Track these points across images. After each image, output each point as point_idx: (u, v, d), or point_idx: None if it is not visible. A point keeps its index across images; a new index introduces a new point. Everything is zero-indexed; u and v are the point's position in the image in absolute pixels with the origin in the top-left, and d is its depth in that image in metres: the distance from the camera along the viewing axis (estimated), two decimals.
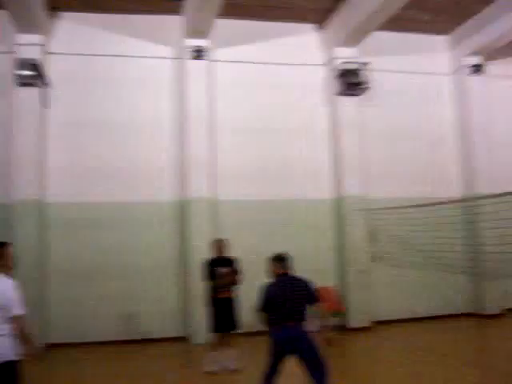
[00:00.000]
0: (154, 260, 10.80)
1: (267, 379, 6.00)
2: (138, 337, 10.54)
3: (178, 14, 11.20)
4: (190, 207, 10.64)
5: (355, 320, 11.24)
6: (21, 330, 4.86)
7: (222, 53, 11.49)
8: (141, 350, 10.03)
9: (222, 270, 8.18)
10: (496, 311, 11.98)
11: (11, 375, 4.86)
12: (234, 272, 8.25)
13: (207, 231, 10.51)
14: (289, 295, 5.90)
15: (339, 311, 11.24)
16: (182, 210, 10.89)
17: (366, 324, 11.27)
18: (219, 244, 8.47)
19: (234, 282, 8.25)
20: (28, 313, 5.04)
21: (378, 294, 11.71)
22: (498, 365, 8.25)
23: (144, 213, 10.87)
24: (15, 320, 4.84)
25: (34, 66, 10.06)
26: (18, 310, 4.86)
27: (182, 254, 10.85)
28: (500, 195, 9.10)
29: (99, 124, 10.93)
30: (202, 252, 10.32)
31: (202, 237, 10.38)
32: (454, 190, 12.39)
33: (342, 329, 11.21)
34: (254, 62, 11.60)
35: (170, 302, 10.83)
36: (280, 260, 6.14)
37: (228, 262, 8.31)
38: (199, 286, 10.20)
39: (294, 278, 6.08)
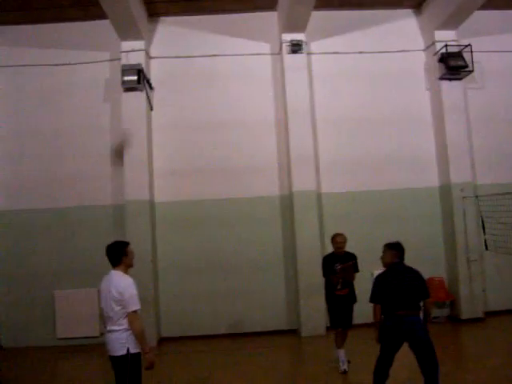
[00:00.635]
0: (263, 254, 10.95)
1: (380, 370, 5.96)
2: (248, 330, 10.73)
3: (273, 10, 11.28)
4: (295, 201, 10.66)
5: (467, 311, 10.87)
6: (136, 326, 5.07)
7: (319, 45, 11.46)
8: (251, 342, 10.24)
9: (338, 266, 7.95)
10: None
11: (127, 368, 5.09)
12: (349, 267, 7.91)
13: (313, 224, 10.62)
14: (402, 284, 5.88)
15: (448, 302, 11.04)
16: (287, 204, 10.97)
17: (478, 315, 10.88)
18: (338, 239, 8.20)
19: (349, 278, 7.99)
20: (142, 309, 5.27)
21: (491, 284, 11.31)
22: None
23: (251, 208, 11.05)
24: (132, 316, 5.05)
25: (138, 70, 10.42)
26: (134, 307, 5.07)
27: (289, 248, 10.93)
28: None
29: (203, 123, 11.19)
30: (309, 245, 10.50)
31: (309, 230, 10.55)
32: None
33: (454, 320, 10.95)
34: (351, 52, 11.46)
35: (278, 295, 10.95)
36: (393, 248, 6.08)
37: (346, 258, 8.01)
38: (307, 279, 10.43)
39: (407, 267, 6.05)
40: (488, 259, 11.25)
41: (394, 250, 6.10)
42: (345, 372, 7.85)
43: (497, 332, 10.11)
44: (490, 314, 11.04)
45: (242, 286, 10.87)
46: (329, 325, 10.54)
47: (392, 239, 6.40)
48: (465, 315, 10.87)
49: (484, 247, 10.97)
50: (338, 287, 7.98)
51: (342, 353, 8.02)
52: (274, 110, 11.32)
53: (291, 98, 10.85)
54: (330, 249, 10.82)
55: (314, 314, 10.47)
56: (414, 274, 6.00)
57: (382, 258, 6.24)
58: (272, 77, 11.41)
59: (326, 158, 11.19)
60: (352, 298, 8.09)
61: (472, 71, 11.10)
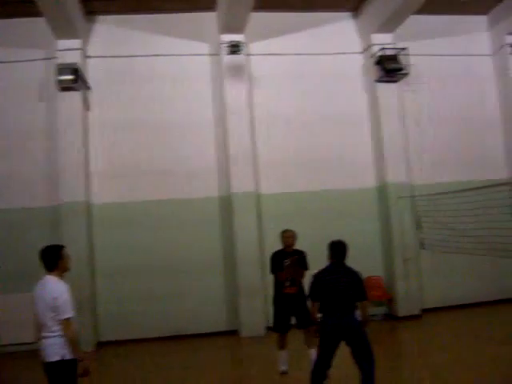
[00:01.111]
0: (201, 255, 10.88)
1: (318, 370, 6.00)
2: (188, 332, 10.64)
3: (213, 11, 11.25)
4: (234, 202, 10.67)
5: (404, 309, 11.09)
6: (69, 333, 4.97)
7: (258, 46, 11.49)
8: (191, 344, 10.15)
9: (286, 262, 7.60)
10: None
11: (61, 374, 4.98)
12: (296, 264, 7.54)
13: (251, 225, 10.66)
14: (339, 284, 5.92)
15: (385, 300, 11.24)
16: (227, 205, 10.94)
17: (415, 312, 11.13)
18: (287, 235, 7.87)
19: (298, 276, 7.59)
20: (77, 313, 5.16)
21: (427, 282, 11.58)
22: None
23: (189, 209, 10.96)
24: (65, 323, 4.95)
25: (74, 70, 10.21)
26: (68, 314, 4.97)
27: (228, 249, 10.91)
28: None
29: (140, 124, 11.06)
30: (248, 247, 10.53)
31: (248, 231, 10.61)
32: (501, 173, 12.12)
33: (391, 318, 11.17)
34: (290, 54, 11.54)
35: (218, 296, 10.91)
36: (331, 247, 6.13)
37: (295, 255, 7.66)
38: (245, 279, 10.45)
39: (346, 267, 6.09)
40: (424, 258, 11.51)
41: (333, 250, 6.12)
42: (284, 373, 7.72)
43: (433, 329, 10.36)
44: (427, 311, 11.29)
45: (182, 287, 10.77)
46: (270, 325, 10.70)
47: (331, 239, 6.36)
48: (402, 313, 11.08)
49: (420, 246, 11.25)
50: (287, 284, 7.61)
51: (283, 354, 7.82)
52: (212, 110, 11.28)
53: (230, 99, 10.86)
54: (269, 249, 11.02)
55: (254, 314, 10.50)
56: (352, 274, 6.04)
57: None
58: (211, 77, 11.38)
59: (265, 159, 11.23)
60: (302, 296, 7.53)
61: (408, 74, 11.35)
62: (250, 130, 10.99)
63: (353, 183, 11.55)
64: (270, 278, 10.85)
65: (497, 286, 11.87)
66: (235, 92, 10.89)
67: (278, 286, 7.76)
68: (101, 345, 10.28)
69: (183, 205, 10.96)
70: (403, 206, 11.19)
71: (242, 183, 10.68)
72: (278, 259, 7.78)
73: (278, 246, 10.84)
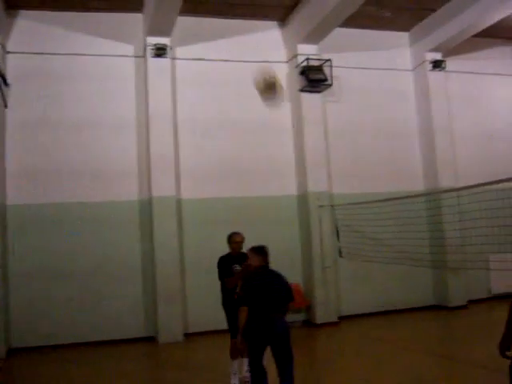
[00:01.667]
0: (119, 260, 10.68)
1: (258, 379, 5.82)
2: (105, 338, 10.40)
3: (139, 12, 11.12)
4: (154, 206, 10.53)
5: (322, 315, 11.28)
6: None
7: (184, 50, 11.42)
8: (108, 350, 9.93)
9: (238, 269, 7.12)
10: (461, 303, 12.14)
11: None
12: (248, 268, 6.77)
13: (171, 230, 10.55)
14: (272, 287, 5.87)
15: (303, 307, 11.41)
16: (146, 209, 10.80)
17: (332, 319, 11.33)
18: (235, 238, 7.45)
19: None
20: None
21: (345, 289, 11.84)
22: (456, 353, 8.45)
23: (107, 212, 10.71)
24: None
25: None
26: None
27: (147, 254, 10.77)
28: (462, 188, 9.32)
29: (60, 123, 10.73)
30: (168, 252, 10.44)
31: (168, 236, 10.48)
32: (418, 185, 12.62)
33: (309, 324, 11.33)
34: (216, 60, 11.55)
35: (136, 302, 10.72)
36: (260, 253, 6.06)
37: (243, 258, 6.94)
38: (164, 285, 10.34)
39: (273, 271, 6.06)
40: (342, 266, 11.76)
41: (261, 254, 6.09)
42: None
43: (349, 335, 10.60)
44: (344, 318, 11.55)
45: (99, 292, 10.51)
46: (188, 331, 10.66)
47: (252, 245, 6.31)
48: (320, 319, 11.25)
49: (338, 254, 11.49)
50: (237, 290, 6.82)
51: (235, 364, 7.24)
52: (135, 112, 11.11)
53: (153, 102, 10.72)
54: (189, 255, 11.03)
55: (172, 320, 10.38)
56: (280, 277, 6.03)
57: (250, 262, 6.14)
58: (135, 79, 11.19)
59: (187, 163, 11.15)
60: None
61: (331, 85, 11.59)
62: (173, 133, 10.90)
63: (275, 191, 11.65)
64: (190, 283, 10.98)
65: (412, 295, 12.29)
66: (159, 95, 10.77)
67: (228, 291, 7.21)
68: (12, 352, 9.85)
69: (100, 208, 10.71)
70: (323, 214, 11.38)
71: (162, 187, 10.55)
72: (226, 264, 7.33)
73: (198, 252, 10.95)
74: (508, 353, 3.75)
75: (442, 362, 8.09)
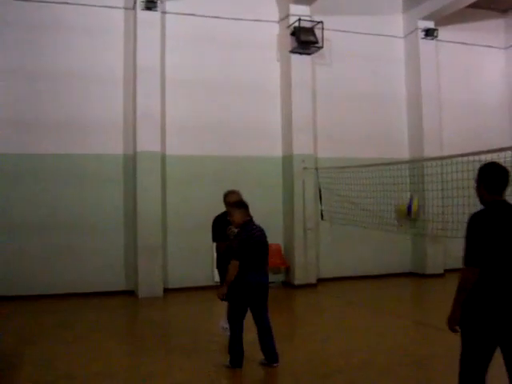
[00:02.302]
0: (101, 213, 10.68)
1: (239, 338, 5.87)
2: (85, 290, 10.44)
3: None
4: (138, 161, 10.49)
5: (300, 277, 11.42)
6: None
7: (174, 5, 11.20)
8: (87, 302, 9.99)
9: (234, 231, 6.60)
10: (438, 271, 12.32)
11: None
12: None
13: (155, 185, 10.57)
14: (262, 241, 5.97)
15: (282, 268, 11.52)
16: (130, 164, 10.77)
17: (311, 281, 11.47)
18: (231, 197, 6.87)
19: None
20: None
21: (325, 253, 11.97)
22: (428, 319, 8.59)
23: (91, 166, 10.67)
24: None
25: None
26: None
27: (130, 209, 10.77)
28: (446, 157, 9.38)
29: (46, 73, 10.52)
30: (150, 207, 10.45)
31: (151, 192, 10.50)
32: (403, 152, 12.69)
33: (288, 286, 11.47)
34: (207, 16, 11.35)
35: (117, 256, 10.77)
36: (241, 206, 6.03)
37: None
38: (146, 240, 10.38)
39: (258, 225, 6.06)
40: (323, 229, 11.87)
41: (243, 207, 6.02)
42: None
43: (326, 297, 10.78)
44: (322, 281, 11.70)
45: (81, 245, 10.52)
46: (168, 287, 10.75)
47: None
48: (298, 281, 11.39)
49: (320, 217, 11.58)
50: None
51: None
52: (123, 66, 10.92)
53: (141, 56, 10.56)
54: (172, 210, 11.04)
55: (152, 275, 10.46)
56: (264, 231, 6.09)
57: (233, 218, 6.06)
58: (124, 32, 10.97)
59: (174, 120, 11.06)
60: None
61: (322, 47, 11.49)
62: (160, 89, 10.79)
63: (260, 152, 11.65)
64: (171, 239, 11.02)
65: (390, 261, 12.46)
66: (147, 49, 10.62)
67: (223, 254, 6.77)
68: None
69: (84, 161, 10.64)
70: (307, 177, 11.42)
71: (147, 142, 10.50)
72: (220, 226, 6.92)
73: (181, 209, 10.97)
74: (457, 327, 3.82)
75: (411, 326, 8.31)
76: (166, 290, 10.71)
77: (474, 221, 3.80)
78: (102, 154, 10.74)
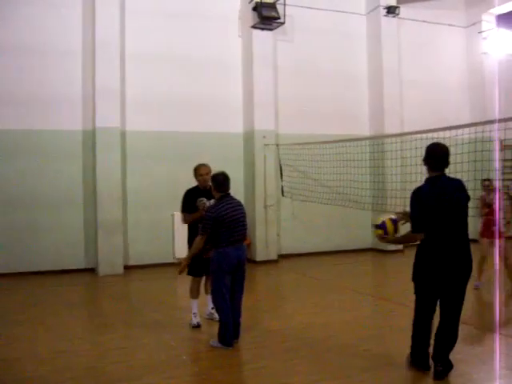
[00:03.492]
0: (61, 190, 10.51)
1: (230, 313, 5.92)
2: (44, 268, 10.34)
3: None
4: (98, 137, 10.32)
5: (262, 254, 11.52)
6: None
7: None
8: (46, 281, 9.90)
9: (204, 202, 6.58)
10: (398, 247, 12.41)
11: None
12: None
13: (114, 161, 10.46)
14: (241, 213, 6.00)
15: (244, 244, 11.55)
16: (90, 140, 10.60)
17: (272, 257, 11.58)
18: (201, 170, 6.78)
19: None
20: None
21: (286, 229, 12.07)
22: (386, 294, 8.77)
23: (50, 141, 10.47)
24: None
25: None
26: None
27: (89, 185, 10.64)
28: (405, 134, 9.49)
29: (5, 48, 10.22)
30: (110, 184, 10.34)
31: (110, 168, 10.39)
32: (364, 129, 12.80)
33: (249, 262, 11.50)
34: None
35: (76, 233, 10.66)
36: (223, 180, 6.00)
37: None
38: (106, 216, 10.28)
39: (235, 199, 6.09)
40: (284, 206, 11.94)
41: (215, 182, 5.99)
42: (198, 326, 6.68)
43: (287, 273, 10.91)
44: (283, 257, 11.84)
45: (40, 222, 10.38)
46: (128, 264, 10.69)
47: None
48: (259, 257, 11.49)
49: (281, 193, 11.64)
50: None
51: (195, 304, 6.78)
52: (81, 40, 10.66)
53: (100, 29, 10.31)
54: (132, 187, 10.95)
55: (112, 252, 10.41)
56: (241, 205, 6.12)
57: (213, 193, 6.04)
58: (82, 6, 10.64)
59: (133, 95, 10.93)
60: None
61: (283, 23, 11.43)
62: (120, 64, 10.62)
63: (221, 127, 11.61)
64: (131, 216, 10.95)
65: (351, 237, 12.63)
66: (106, 23, 10.38)
67: (194, 230, 6.51)
68: None
69: (44, 136, 10.43)
70: (268, 153, 11.46)
71: (107, 118, 10.33)
72: (190, 198, 6.75)
73: (141, 186, 10.89)
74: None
75: (370, 300, 8.48)
76: (127, 268, 10.66)
77: (413, 195, 4.81)
78: (61, 129, 10.54)
